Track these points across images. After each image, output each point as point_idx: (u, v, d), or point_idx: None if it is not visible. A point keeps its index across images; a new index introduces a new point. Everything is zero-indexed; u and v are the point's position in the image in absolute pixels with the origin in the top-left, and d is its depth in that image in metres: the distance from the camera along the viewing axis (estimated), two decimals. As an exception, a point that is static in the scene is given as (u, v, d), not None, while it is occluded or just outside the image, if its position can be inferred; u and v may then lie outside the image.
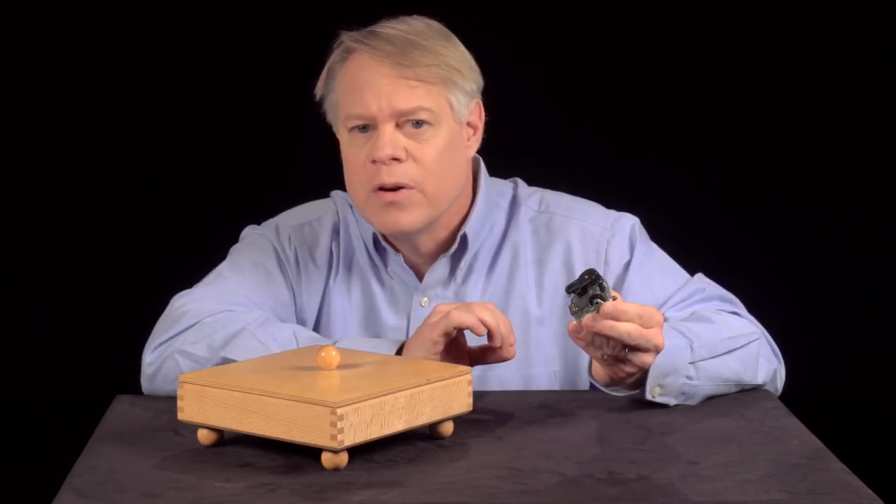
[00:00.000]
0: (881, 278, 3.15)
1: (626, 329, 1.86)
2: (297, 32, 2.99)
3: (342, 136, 2.12)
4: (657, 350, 1.90)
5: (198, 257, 2.30)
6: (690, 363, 1.97)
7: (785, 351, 2.16)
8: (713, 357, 2.00)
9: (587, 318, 1.85)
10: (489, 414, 1.94)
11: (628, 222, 2.20)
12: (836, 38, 3.11)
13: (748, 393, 2.07)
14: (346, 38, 2.11)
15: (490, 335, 1.96)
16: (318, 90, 2.14)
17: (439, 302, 2.14)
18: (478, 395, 1.85)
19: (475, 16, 3.03)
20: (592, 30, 3.12)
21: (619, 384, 1.97)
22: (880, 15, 3.10)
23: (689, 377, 1.97)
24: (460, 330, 1.97)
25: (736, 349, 2.03)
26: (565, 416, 1.94)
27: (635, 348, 1.88)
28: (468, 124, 2.13)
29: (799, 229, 3.14)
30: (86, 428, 1.94)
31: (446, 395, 1.80)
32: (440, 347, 1.96)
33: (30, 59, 3.10)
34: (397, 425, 1.75)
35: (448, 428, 1.83)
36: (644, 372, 1.94)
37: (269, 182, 3.07)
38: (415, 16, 2.12)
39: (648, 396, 1.95)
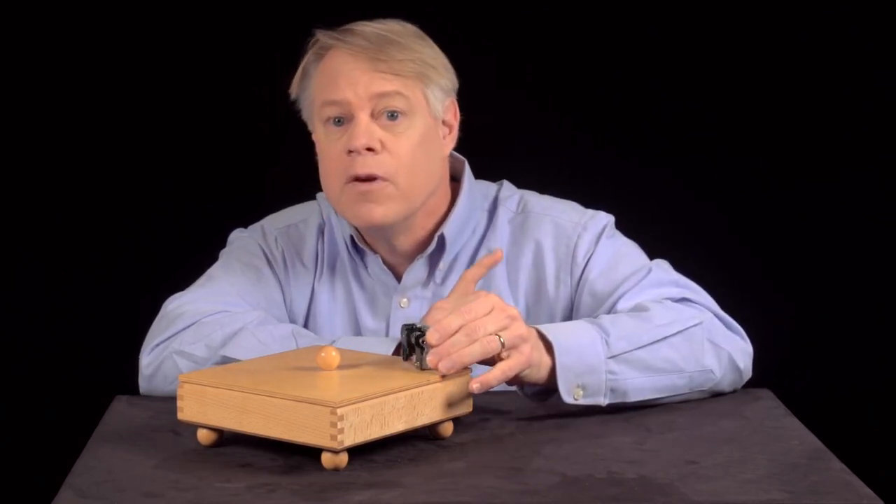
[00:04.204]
0: (881, 278, 3.14)
1: (458, 339, 1.80)
2: (285, 37, 2.98)
3: (318, 130, 2.12)
4: (523, 339, 1.86)
5: (196, 258, 2.30)
6: (610, 358, 1.95)
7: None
8: (637, 348, 1.96)
9: (442, 365, 1.80)
10: (489, 414, 1.94)
11: (602, 220, 2.19)
12: (835, 32, 3.10)
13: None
14: (321, 35, 2.11)
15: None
16: (293, 90, 2.15)
17: (418, 303, 2.15)
18: (478, 396, 1.85)
19: (461, 14, 3.04)
20: (583, 29, 3.12)
21: (524, 384, 1.94)
22: (878, 13, 3.10)
23: (611, 372, 1.94)
24: None
25: (668, 337, 1.99)
26: (565, 416, 1.94)
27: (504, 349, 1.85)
28: (444, 123, 2.14)
29: (799, 229, 3.14)
30: (86, 428, 1.94)
31: (446, 396, 1.80)
32: None
33: (28, 62, 3.10)
34: (397, 426, 1.75)
35: (448, 428, 1.83)
36: (552, 373, 1.92)
37: (265, 186, 3.07)
38: (390, 18, 2.13)
39: (570, 400, 1.92)
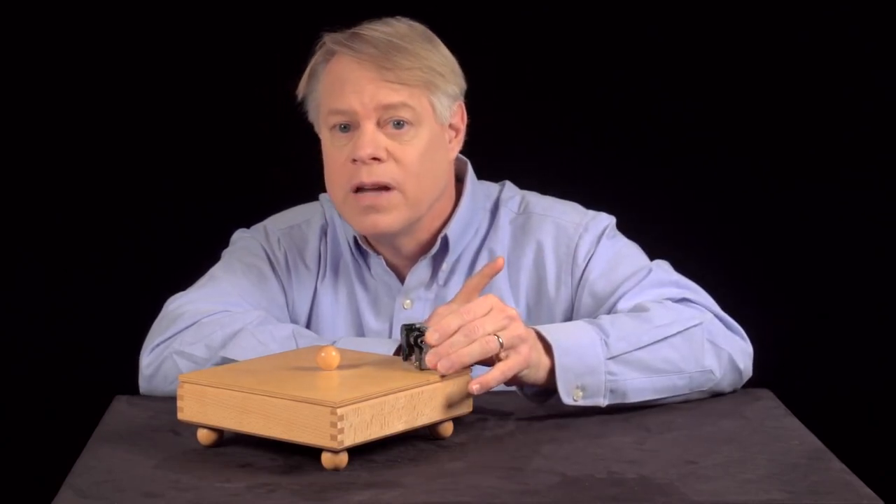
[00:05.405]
0: (881, 278, 3.14)
1: (456, 340, 1.81)
2: (286, 37, 2.99)
3: (324, 135, 2.11)
4: (522, 339, 1.86)
5: (196, 259, 2.30)
6: (609, 358, 1.95)
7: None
8: (637, 349, 1.96)
9: (442, 365, 1.80)
10: (489, 414, 1.94)
11: (603, 221, 2.18)
12: (835, 32, 3.10)
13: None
14: (329, 39, 2.10)
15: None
16: (300, 91, 2.14)
17: (421, 304, 2.15)
18: (478, 396, 1.85)
19: (462, 14, 3.04)
20: (583, 29, 3.12)
21: (523, 384, 1.94)
22: (878, 13, 3.10)
23: (610, 373, 1.94)
24: None
25: (668, 337, 1.99)
26: (565, 416, 1.94)
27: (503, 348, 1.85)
28: (450, 126, 2.13)
29: (799, 229, 3.14)
30: (86, 428, 1.94)
31: (446, 396, 1.80)
32: None
33: (28, 62, 3.10)
34: (397, 426, 1.75)
35: (448, 428, 1.83)
36: (550, 373, 1.92)
37: (265, 186, 3.07)
38: (398, 17, 2.12)
39: (569, 401, 1.92)
